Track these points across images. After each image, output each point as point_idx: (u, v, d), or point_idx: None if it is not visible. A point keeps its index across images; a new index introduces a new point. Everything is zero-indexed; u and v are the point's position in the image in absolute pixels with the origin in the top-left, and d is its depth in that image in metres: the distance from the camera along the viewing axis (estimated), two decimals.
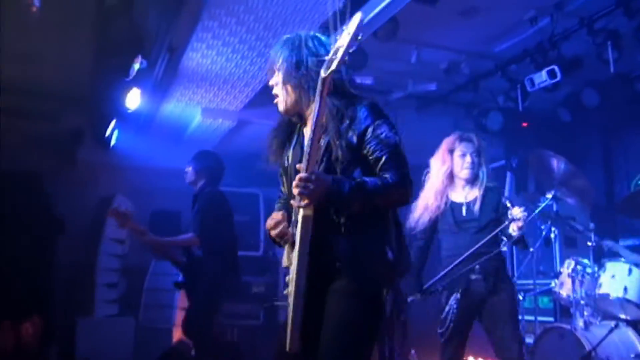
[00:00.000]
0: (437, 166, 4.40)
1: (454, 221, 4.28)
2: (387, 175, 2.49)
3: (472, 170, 4.33)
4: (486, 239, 4.00)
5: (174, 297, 7.62)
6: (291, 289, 2.50)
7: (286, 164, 2.74)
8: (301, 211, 2.43)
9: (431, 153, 8.75)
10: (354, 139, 2.52)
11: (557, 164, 5.02)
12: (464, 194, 4.37)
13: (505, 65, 6.32)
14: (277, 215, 2.66)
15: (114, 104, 5.88)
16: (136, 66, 5.01)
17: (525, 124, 7.65)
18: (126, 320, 7.75)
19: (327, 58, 2.34)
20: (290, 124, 2.77)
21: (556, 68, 5.73)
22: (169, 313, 7.68)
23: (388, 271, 2.54)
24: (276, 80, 2.68)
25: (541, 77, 5.86)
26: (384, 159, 2.51)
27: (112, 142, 7.05)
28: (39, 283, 7.51)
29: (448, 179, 4.36)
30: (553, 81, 5.80)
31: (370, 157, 2.53)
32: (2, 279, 7.14)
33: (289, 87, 2.65)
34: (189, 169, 5.54)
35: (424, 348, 6.26)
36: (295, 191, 2.40)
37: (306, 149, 2.40)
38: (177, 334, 7.37)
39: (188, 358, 6.53)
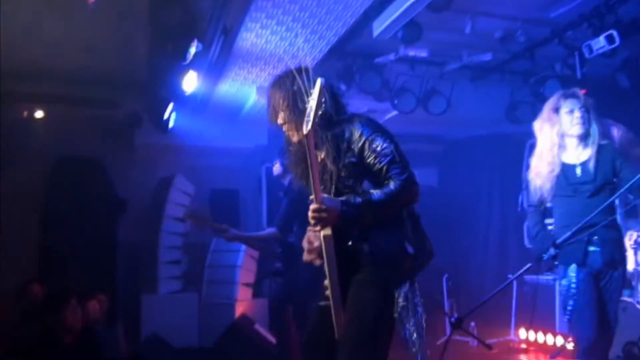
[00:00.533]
0: (545, 128, 4.05)
1: (567, 183, 3.93)
2: (390, 184, 2.76)
3: (583, 125, 3.95)
4: (605, 204, 3.68)
5: (235, 273, 7.76)
6: (329, 294, 2.79)
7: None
8: (321, 233, 2.70)
9: (487, 124, 8.76)
10: (354, 158, 2.82)
11: (617, 132, 4.86)
12: (577, 154, 3.99)
13: (561, 31, 6.18)
14: (309, 243, 2.88)
15: (171, 88, 5.99)
16: (192, 50, 5.08)
17: (583, 91, 7.45)
18: (190, 296, 7.95)
19: (306, 120, 2.54)
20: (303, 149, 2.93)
21: (614, 33, 5.54)
22: (230, 289, 7.82)
23: (411, 264, 2.86)
24: (282, 118, 2.91)
25: (599, 43, 5.68)
26: (385, 168, 2.78)
27: (170, 124, 7.14)
28: (103, 262, 7.78)
29: (558, 139, 3.97)
30: (612, 47, 5.62)
31: (374, 170, 2.80)
32: (70, 258, 7.42)
33: (295, 123, 2.87)
34: (277, 164, 5.59)
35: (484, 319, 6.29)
36: (311, 221, 2.67)
37: (311, 184, 2.63)
38: (240, 309, 7.54)
39: (250, 332, 6.68)
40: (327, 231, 2.70)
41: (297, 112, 2.85)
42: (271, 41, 5.83)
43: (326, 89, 2.70)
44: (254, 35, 5.68)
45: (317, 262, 2.86)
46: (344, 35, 5.76)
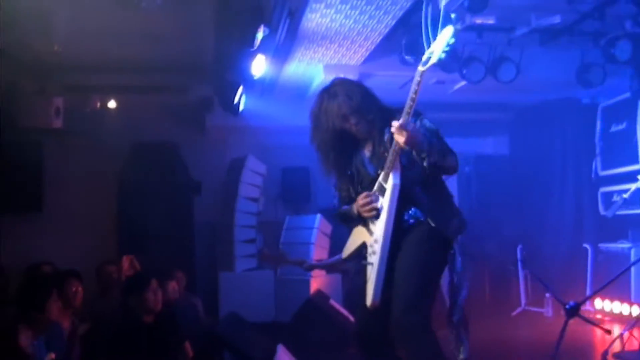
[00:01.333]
0: None
1: None
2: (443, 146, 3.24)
3: None
4: None
5: (309, 250, 7.89)
6: (377, 250, 3.16)
7: (350, 172, 3.42)
8: (390, 180, 3.13)
9: (558, 88, 8.53)
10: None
11: None
12: None
13: None
14: (359, 198, 3.30)
15: (240, 72, 6.11)
16: (260, 35, 5.14)
17: None
18: (265, 273, 8.18)
19: (426, 58, 3.05)
20: (338, 142, 3.39)
21: None
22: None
23: (461, 222, 3.30)
24: (356, 118, 3.30)
25: None
26: (435, 138, 3.21)
27: (241, 107, 7.29)
28: (182, 242, 8.05)
29: None
30: None
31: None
32: (149, 239, 7.70)
33: (365, 121, 3.31)
34: None
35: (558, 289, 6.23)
36: (395, 131, 3.03)
37: (404, 115, 3.04)
38: (315, 285, 7.70)
39: (327, 307, 6.79)
40: (396, 179, 3.14)
41: (369, 110, 3.32)
42: (336, 20, 5.86)
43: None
44: (319, 15, 5.72)
45: (369, 213, 3.23)
46: (410, 8, 5.70)
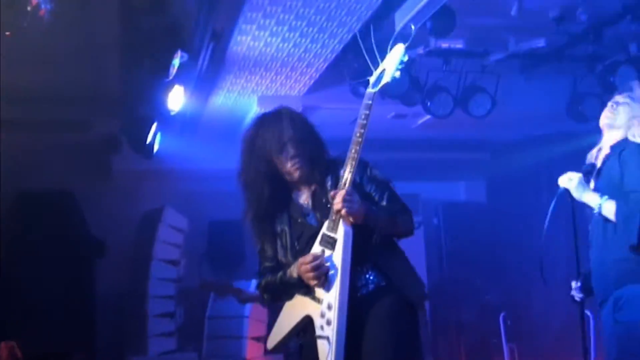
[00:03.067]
0: None
1: None
2: (397, 209, 3.30)
3: None
4: None
5: (242, 326, 7.78)
6: (332, 318, 3.07)
7: (280, 228, 3.39)
8: (340, 227, 3.11)
9: (544, 122, 8.68)
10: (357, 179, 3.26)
11: None
12: None
13: (636, 5, 6.09)
14: (303, 259, 3.18)
15: (153, 106, 6.05)
16: (176, 62, 5.09)
17: None
18: (187, 357, 8.02)
19: (372, 77, 3.23)
20: (272, 179, 3.37)
21: None
22: (237, 345, 7.82)
23: (423, 290, 3.35)
24: (297, 150, 3.30)
25: None
26: (386, 196, 3.29)
27: (155, 148, 7.21)
28: (79, 315, 7.82)
29: None
30: None
31: (374, 197, 3.30)
32: (39, 312, 7.45)
33: (306, 157, 3.31)
34: None
35: None
36: (338, 206, 3.07)
37: (347, 167, 3.11)
38: None
39: None
40: (347, 226, 3.12)
41: (310, 145, 3.37)
42: (271, 43, 5.88)
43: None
44: (250, 38, 5.74)
45: (314, 282, 3.14)
46: (360, 29, 5.75)
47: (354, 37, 5.86)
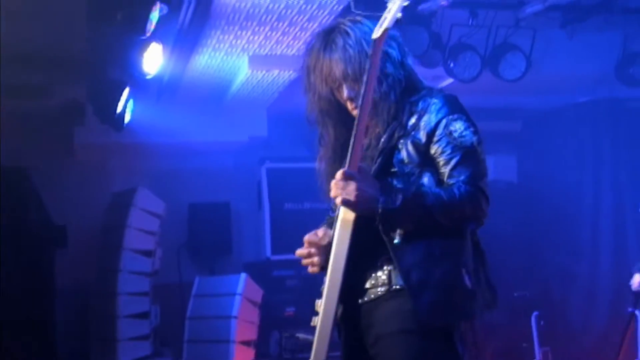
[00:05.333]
0: None
1: None
2: (454, 186, 2.83)
3: None
4: None
5: (229, 328, 7.78)
6: (320, 317, 2.92)
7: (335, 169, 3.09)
8: (341, 212, 2.84)
9: (587, 87, 8.68)
10: (422, 136, 2.90)
11: None
12: None
13: None
14: (306, 238, 3.11)
15: (125, 68, 5.98)
16: (154, 16, 5.05)
17: None
18: None
19: (381, 20, 2.82)
20: (336, 113, 3.11)
21: None
22: (223, 350, 7.83)
23: (465, 301, 2.87)
24: (351, 90, 3.00)
25: None
26: (453, 162, 2.85)
27: (126, 118, 7.17)
28: (36, 315, 7.79)
29: None
30: None
31: (438, 159, 2.88)
32: None
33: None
34: None
35: None
36: (332, 194, 2.80)
37: (351, 140, 2.82)
38: None
39: None
40: (349, 214, 2.83)
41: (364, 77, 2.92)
42: None
43: (396, 41, 3.02)
44: None
45: (314, 267, 3.08)
46: None
47: None
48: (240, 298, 7.85)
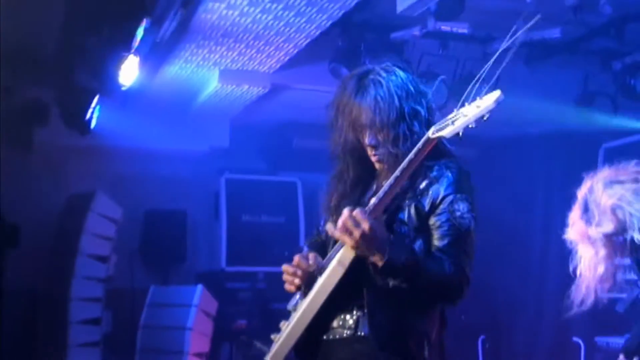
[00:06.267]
0: None
1: None
2: (445, 262, 2.94)
3: None
4: None
5: (183, 339, 7.77)
6: (277, 343, 3.06)
7: (337, 203, 3.21)
8: (336, 258, 2.91)
9: (544, 121, 8.84)
10: (427, 203, 3.00)
11: None
12: None
13: None
14: (297, 256, 3.12)
15: (101, 79, 5.99)
16: (139, 33, 5.09)
17: None
18: None
19: (445, 121, 2.84)
20: (358, 178, 3.23)
21: None
22: None
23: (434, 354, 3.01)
24: (375, 137, 3.08)
25: None
26: (447, 239, 2.97)
27: (93, 123, 7.16)
28: None
29: None
30: None
31: (435, 232, 2.99)
32: None
33: (392, 136, 3.05)
34: None
35: None
36: (336, 229, 2.84)
37: (379, 194, 2.88)
38: None
39: None
40: (347, 256, 2.89)
41: (402, 127, 3.03)
42: (248, 14, 5.95)
43: (426, 98, 3.13)
44: (225, 6, 5.79)
45: (292, 287, 3.13)
46: (353, 7, 5.85)
47: (345, 15, 5.97)
48: (196, 310, 7.85)
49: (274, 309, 8.06)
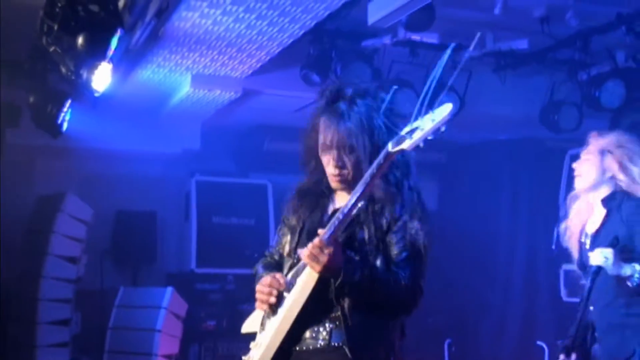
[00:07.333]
0: None
1: None
2: (400, 276, 3.14)
3: None
4: None
5: (152, 341, 7.76)
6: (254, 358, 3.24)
7: (299, 225, 3.42)
8: (303, 276, 3.13)
9: (511, 129, 8.96)
10: (384, 223, 3.19)
11: None
12: None
13: (631, 16, 6.42)
14: (268, 277, 3.28)
15: (74, 84, 6.01)
16: (114, 43, 5.13)
17: None
18: None
19: (401, 133, 2.98)
20: (319, 189, 3.43)
21: None
22: None
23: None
24: (338, 163, 3.25)
25: None
26: (403, 255, 3.17)
27: (64, 126, 7.19)
28: None
29: None
30: None
31: (391, 248, 3.20)
32: None
33: (357, 161, 3.24)
34: None
35: None
36: (303, 254, 3.07)
37: (339, 215, 3.07)
38: None
39: None
40: (311, 278, 3.10)
41: (368, 146, 3.21)
42: (221, 22, 6.00)
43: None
44: (198, 15, 5.83)
45: (264, 306, 3.27)
46: (325, 18, 5.93)
47: (317, 23, 6.05)
48: (166, 312, 7.86)
49: (243, 310, 8.09)
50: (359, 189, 3.01)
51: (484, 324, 9.40)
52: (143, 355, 7.79)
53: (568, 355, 4.57)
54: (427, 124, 2.94)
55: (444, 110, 2.95)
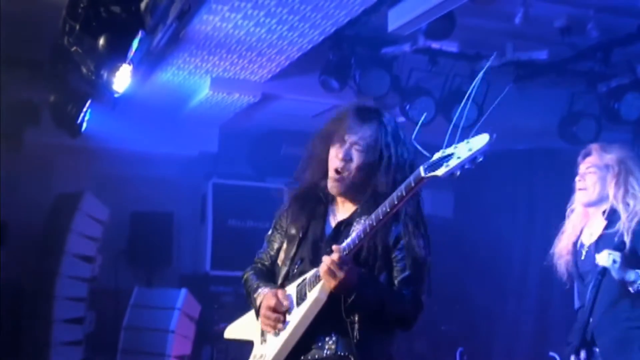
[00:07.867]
0: None
1: None
2: (404, 294, 3.27)
3: None
4: None
5: (166, 342, 7.84)
6: None
7: (299, 234, 3.48)
8: (315, 291, 3.20)
9: (528, 139, 8.93)
10: (389, 241, 3.29)
11: None
12: None
13: None
14: (272, 298, 3.32)
15: (95, 85, 6.04)
16: (135, 44, 5.16)
17: None
18: None
19: (432, 158, 2.95)
20: (316, 196, 3.50)
21: None
22: None
23: None
24: (357, 158, 3.33)
25: None
26: (406, 273, 3.28)
27: (84, 126, 7.22)
28: None
29: None
30: None
31: (395, 265, 3.30)
32: None
33: (364, 171, 3.33)
34: None
35: None
36: (321, 269, 3.13)
37: (360, 233, 3.14)
38: None
39: None
40: (323, 293, 3.18)
41: (382, 161, 3.31)
42: (242, 26, 6.04)
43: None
44: (219, 19, 5.89)
45: (274, 330, 3.31)
46: (345, 23, 5.94)
47: (337, 29, 6.06)
48: (179, 313, 7.93)
49: None
50: (386, 208, 3.03)
51: (497, 333, 9.36)
52: (156, 356, 7.87)
53: (577, 354, 4.58)
54: (463, 152, 2.87)
55: (482, 140, 2.90)
